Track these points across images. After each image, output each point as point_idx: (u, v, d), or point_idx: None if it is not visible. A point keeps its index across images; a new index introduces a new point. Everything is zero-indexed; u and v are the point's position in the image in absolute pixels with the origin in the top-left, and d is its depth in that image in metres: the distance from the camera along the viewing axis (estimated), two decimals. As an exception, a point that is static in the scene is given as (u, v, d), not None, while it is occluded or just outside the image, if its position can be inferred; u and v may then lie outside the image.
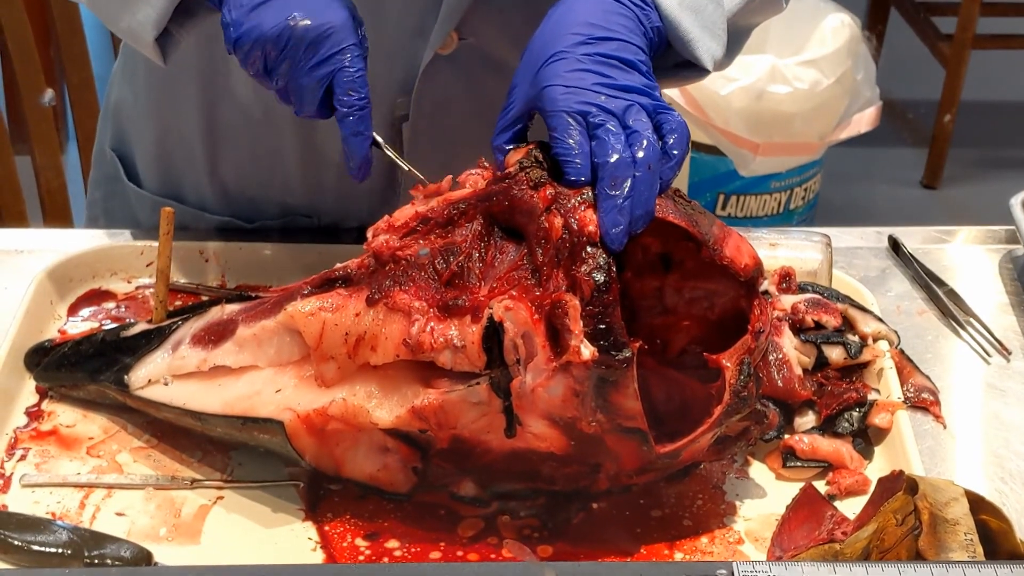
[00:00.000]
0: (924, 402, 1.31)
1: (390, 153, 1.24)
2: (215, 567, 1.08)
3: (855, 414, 1.25)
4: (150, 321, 1.29)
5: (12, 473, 1.19)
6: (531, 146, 1.13)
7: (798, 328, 1.29)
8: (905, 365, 1.33)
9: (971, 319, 1.44)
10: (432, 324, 1.08)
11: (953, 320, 1.44)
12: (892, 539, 1.01)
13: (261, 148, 1.48)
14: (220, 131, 1.49)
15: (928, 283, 1.48)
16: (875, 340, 1.31)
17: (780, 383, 1.24)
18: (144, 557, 1.10)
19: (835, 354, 1.28)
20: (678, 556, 1.14)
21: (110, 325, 1.35)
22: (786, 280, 1.35)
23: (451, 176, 1.17)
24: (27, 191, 2.14)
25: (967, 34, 3.63)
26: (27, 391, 1.29)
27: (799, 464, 1.22)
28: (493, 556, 1.13)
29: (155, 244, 1.31)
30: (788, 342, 1.26)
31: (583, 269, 1.05)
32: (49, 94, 2.08)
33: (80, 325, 1.37)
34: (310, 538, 1.14)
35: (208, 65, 1.44)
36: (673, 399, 1.18)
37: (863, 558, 1.01)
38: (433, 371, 1.11)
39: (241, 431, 1.17)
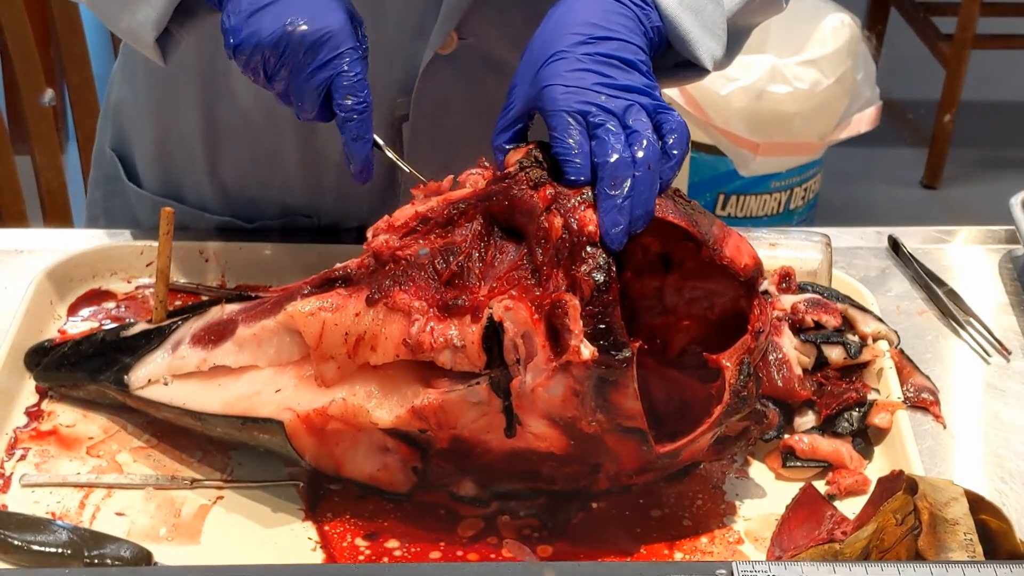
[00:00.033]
0: (924, 402, 1.31)
1: (391, 155, 1.24)
2: (215, 567, 1.08)
3: (855, 414, 1.25)
4: (150, 321, 1.29)
5: (12, 473, 1.19)
6: (531, 146, 1.13)
7: (798, 328, 1.29)
8: (905, 365, 1.33)
9: (971, 319, 1.44)
10: (432, 324, 1.08)
11: (953, 320, 1.44)
12: (892, 539, 1.01)
13: (261, 148, 1.48)
14: (220, 131, 1.49)
15: (928, 283, 1.48)
16: (875, 340, 1.31)
17: (780, 383, 1.24)
18: (144, 557, 1.10)
19: (835, 354, 1.28)
20: (678, 556, 1.14)
21: (110, 325, 1.35)
22: (786, 280, 1.35)
23: (452, 176, 1.17)
24: (27, 191, 2.14)
25: (967, 34, 3.63)
26: (27, 391, 1.29)
27: (799, 464, 1.22)
28: (493, 556, 1.13)
29: (155, 244, 1.31)
30: (788, 342, 1.26)
31: (583, 269, 1.05)
32: (49, 94, 2.08)
33: (80, 325, 1.37)
34: (310, 538, 1.15)
35: (208, 65, 1.44)
36: (673, 399, 1.18)
37: (863, 558, 1.01)
38: (433, 371, 1.11)
39: (241, 431, 1.17)
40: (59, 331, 1.36)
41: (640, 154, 1.08)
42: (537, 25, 1.17)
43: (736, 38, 1.33)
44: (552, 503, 1.17)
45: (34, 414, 1.26)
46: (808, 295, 1.32)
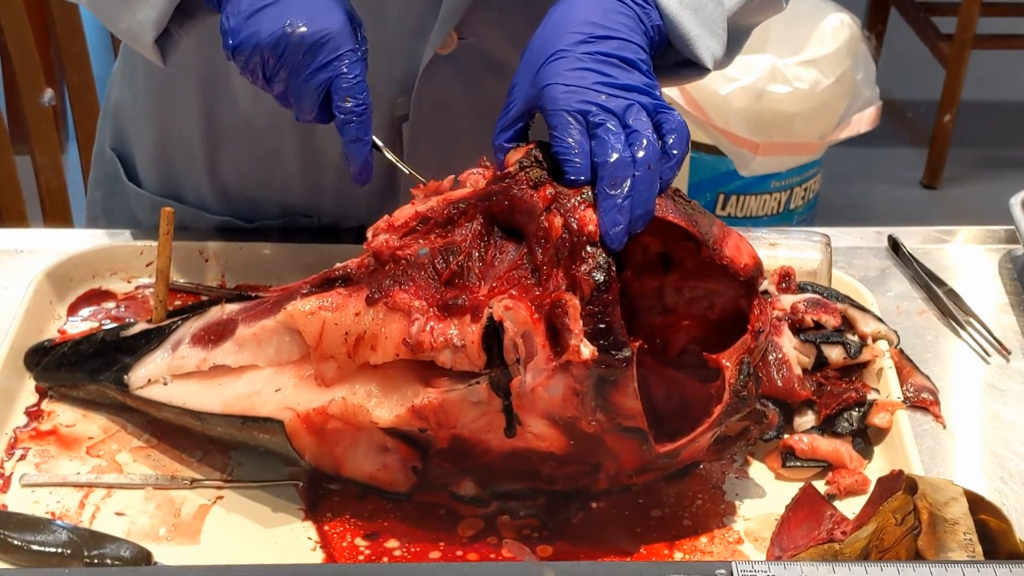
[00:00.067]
0: (924, 402, 1.31)
1: (390, 156, 1.24)
2: (215, 567, 1.08)
3: (855, 414, 1.25)
4: (150, 321, 1.29)
5: (12, 473, 1.19)
6: (531, 145, 1.13)
7: (798, 328, 1.29)
8: (905, 365, 1.33)
9: (971, 319, 1.44)
10: (432, 323, 1.08)
11: (953, 320, 1.44)
12: (891, 539, 1.01)
13: (261, 148, 1.48)
14: (220, 131, 1.49)
15: (928, 283, 1.48)
16: (875, 340, 1.31)
17: (780, 383, 1.24)
18: (144, 557, 1.10)
19: (835, 354, 1.28)
20: (678, 556, 1.14)
21: (110, 325, 1.35)
22: (786, 280, 1.35)
23: (453, 176, 1.17)
24: (27, 191, 2.14)
25: (967, 34, 3.63)
26: (27, 391, 1.29)
27: (799, 464, 1.22)
28: (493, 556, 1.13)
29: (155, 244, 1.31)
30: (788, 342, 1.26)
31: (583, 268, 1.05)
32: (48, 94, 2.08)
33: (80, 325, 1.37)
34: (310, 538, 1.15)
35: (208, 65, 1.44)
36: (673, 399, 1.18)
37: (862, 558, 1.01)
38: (433, 370, 1.11)
39: (241, 431, 1.17)
40: (59, 331, 1.36)
41: (640, 154, 1.08)
42: (537, 24, 1.17)
43: (736, 37, 1.33)
44: (552, 503, 1.17)
45: (34, 414, 1.26)
46: (808, 295, 1.32)
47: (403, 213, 1.16)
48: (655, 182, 1.09)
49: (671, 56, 1.26)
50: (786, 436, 1.23)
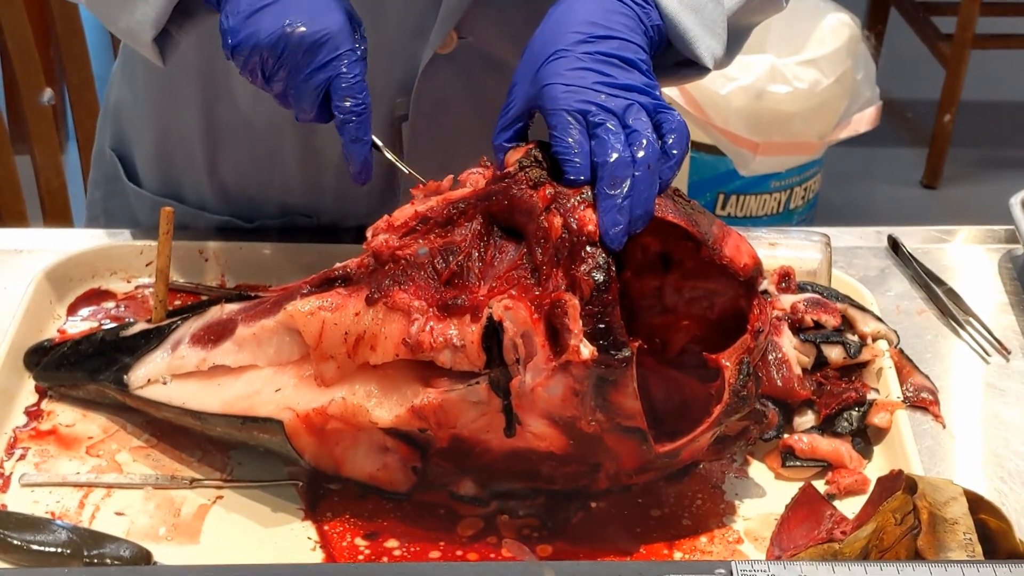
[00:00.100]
0: (923, 401, 1.31)
1: (390, 156, 1.24)
2: (214, 566, 1.08)
3: (854, 414, 1.25)
4: (149, 321, 1.29)
5: (11, 472, 1.19)
6: (530, 145, 1.13)
7: (797, 328, 1.29)
8: (904, 365, 1.33)
9: (970, 319, 1.44)
10: (431, 323, 1.08)
11: (952, 320, 1.44)
12: (891, 538, 1.01)
13: (261, 148, 1.48)
14: (220, 131, 1.49)
15: (927, 283, 1.48)
16: (874, 340, 1.31)
17: (779, 382, 1.24)
18: (143, 556, 1.10)
19: (834, 354, 1.28)
20: (677, 555, 1.14)
21: (109, 325, 1.35)
22: (785, 280, 1.35)
23: (452, 176, 1.17)
24: (27, 191, 2.14)
25: (967, 34, 3.63)
26: (26, 390, 1.29)
27: (798, 463, 1.22)
28: (492, 555, 1.13)
29: (155, 244, 1.31)
30: (787, 341, 1.26)
31: (582, 268, 1.05)
32: (48, 93, 2.08)
33: (79, 325, 1.37)
34: (309, 537, 1.15)
35: (207, 65, 1.44)
36: (672, 398, 1.18)
37: (862, 557, 1.01)
38: (433, 370, 1.11)
39: (240, 430, 1.17)
40: (59, 331, 1.36)
41: (640, 154, 1.08)
42: (537, 24, 1.17)
43: (736, 37, 1.33)
44: (552, 503, 1.17)
45: (33, 414, 1.26)
46: (808, 295, 1.32)
47: (403, 213, 1.16)
48: (655, 182, 1.09)
49: (671, 56, 1.26)
50: (786, 436, 1.23)
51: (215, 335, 1.20)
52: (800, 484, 1.18)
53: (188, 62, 1.43)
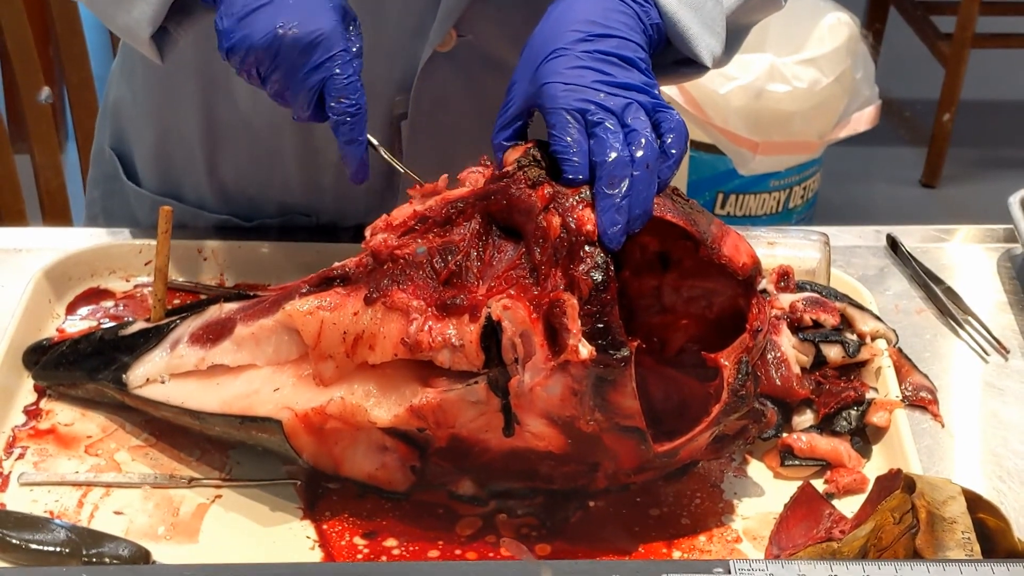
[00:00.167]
0: (922, 401, 1.31)
1: (386, 156, 1.24)
2: (213, 566, 1.08)
3: (853, 413, 1.25)
4: (148, 320, 1.29)
5: (10, 472, 1.19)
6: (529, 144, 1.13)
7: (796, 327, 1.29)
8: (903, 364, 1.33)
9: (969, 318, 1.44)
10: (430, 323, 1.08)
11: (951, 319, 1.44)
12: (889, 537, 1.01)
13: (260, 147, 1.48)
14: (219, 130, 1.49)
15: (926, 282, 1.48)
16: (873, 339, 1.31)
17: (778, 382, 1.24)
18: (142, 556, 1.10)
19: (833, 353, 1.28)
20: (676, 555, 1.14)
21: (108, 324, 1.35)
22: (784, 279, 1.35)
23: (447, 175, 1.17)
24: (26, 190, 2.14)
25: (966, 33, 3.63)
26: (25, 389, 1.29)
27: (797, 463, 1.22)
28: (491, 555, 1.13)
29: (153, 243, 1.31)
30: (786, 341, 1.26)
31: (581, 268, 1.05)
32: (46, 92, 2.08)
33: (79, 324, 1.37)
34: (308, 537, 1.15)
35: (207, 64, 1.44)
36: (671, 398, 1.18)
37: (861, 557, 1.01)
38: (431, 370, 1.11)
39: (239, 430, 1.17)
40: (57, 330, 1.36)
41: (639, 153, 1.08)
42: (536, 23, 1.17)
43: (735, 36, 1.33)
44: (550, 502, 1.17)
45: (32, 413, 1.26)
46: (807, 294, 1.32)
47: (401, 212, 1.16)
48: (653, 181, 1.09)
49: (670, 54, 1.26)
50: (785, 435, 1.23)
51: (214, 334, 1.20)
52: (799, 483, 1.18)
53: (187, 61, 1.43)
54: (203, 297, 1.39)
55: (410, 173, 1.24)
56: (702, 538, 1.15)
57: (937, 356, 1.39)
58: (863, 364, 1.30)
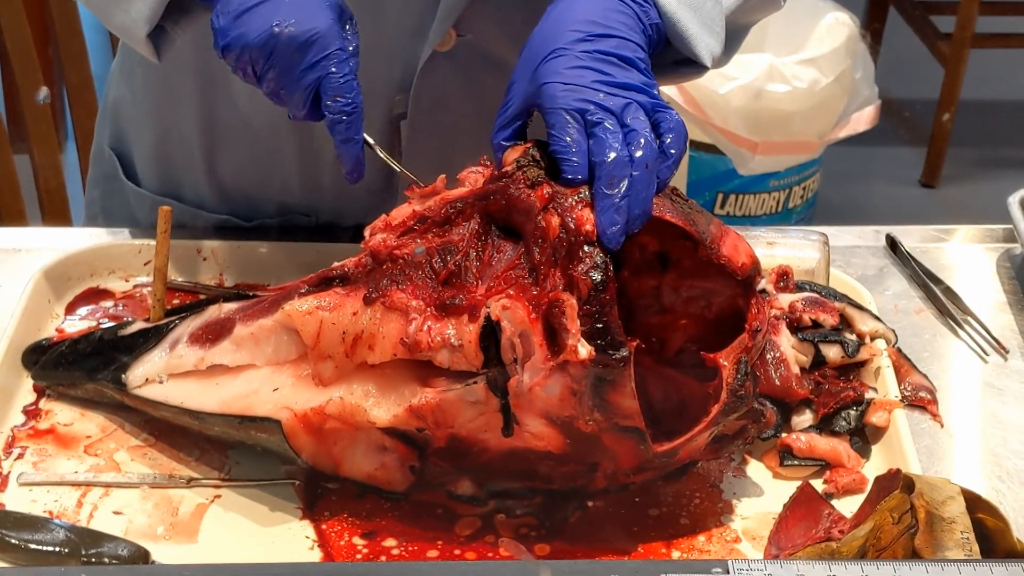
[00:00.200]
0: (921, 401, 1.31)
1: (383, 155, 1.24)
2: (212, 565, 1.08)
3: (852, 413, 1.25)
4: (148, 320, 1.29)
5: (9, 472, 1.19)
6: (528, 144, 1.13)
7: (795, 327, 1.29)
8: (903, 364, 1.33)
9: (969, 318, 1.44)
10: (429, 323, 1.08)
11: (951, 319, 1.44)
12: (888, 537, 1.01)
13: (259, 147, 1.48)
14: (218, 130, 1.49)
15: (926, 282, 1.48)
16: (872, 339, 1.31)
17: (777, 382, 1.24)
18: (141, 556, 1.10)
19: (832, 353, 1.28)
20: (675, 554, 1.14)
21: (108, 324, 1.35)
22: (784, 279, 1.35)
23: (445, 176, 1.17)
24: (26, 190, 2.14)
25: (966, 33, 3.63)
26: (25, 389, 1.29)
27: (796, 463, 1.22)
28: (490, 555, 1.13)
29: (153, 243, 1.31)
30: (785, 341, 1.26)
31: (580, 268, 1.05)
32: (44, 92, 2.08)
33: (78, 324, 1.37)
34: (307, 536, 1.15)
35: (206, 64, 1.44)
36: (670, 398, 1.18)
37: (859, 557, 1.01)
38: (430, 370, 1.11)
39: (238, 430, 1.17)
40: (57, 330, 1.36)
41: (638, 153, 1.08)
42: (536, 22, 1.17)
43: (734, 36, 1.33)
44: (549, 502, 1.17)
45: (32, 413, 1.26)
46: (806, 294, 1.32)
47: (401, 212, 1.16)
48: (652, 181, 1.09)
49: (670, 54, 1.26)
50: (784, 435, 1.23)
51: (213, 334, 1.20)
52: (798, 483, 1.18)
53: (186, 60, 1.43)
54: (202, 297, 1.39)
55: (406, 172, 1.24)
56: (701, 538, 1.15)
57: (936, 356, 1.39)
58: (862, 364, 1.30)
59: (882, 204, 3.69)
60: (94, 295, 1.41)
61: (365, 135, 1.19)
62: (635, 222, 1.08)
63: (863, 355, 1.29)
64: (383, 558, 1.13)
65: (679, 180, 2.95)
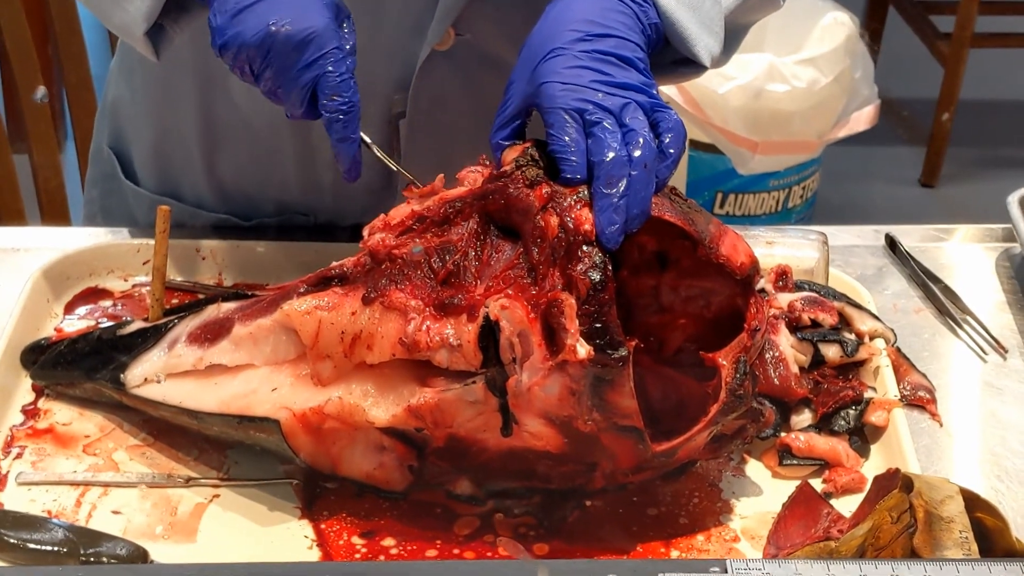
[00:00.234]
0: (920, 400, 1.31)
1: (380, 155, 1.24)
2: (211, 565, 1.08)
3: (851, 412, 1.25)
4: (146, 319, 1.29)
5: (8, 471, 1.19)
6: (527, 144, 1.13)
7: (794, 326, 1.29)
8: (902, 363, 1.33)
9: (968, 317, 1.44)
10: (428, 323, 1.08)
11: (950, 318, 1.44)
12: (887, 537, 1.01)
13: (258, 146, 1.48)
14: (217, 129, 1.49)
15: (925, 281, 1.48)
16: (871, 338, 1.31)
17: (776, 381, 1.24)
18: (140, 555, 1.10)
19: (831, 352, 1.28)
20: (674, 554, 1.14)
21: (106, 323, 1.35)
22: (783, 278, 1.35)
23: (443, 175, 1.17)
24: (25, 189, 2.14)
25: (965, 32, 3.63)
26: (23, 389, 1.29)
27: (795, 462, 1.22)
28: (489, 554, 1.13)
29: (152, 242, 1.31)
30: (784, 340, 1.26)
31: (579, 268, 1.05)
32: (41, 91, 2.08)
33: (77, 323, 1.37)
34: (306, 536, 1.14)
35: (205, 63, 1.44)
36: (669, 397, 1.18)
37: (858, 556, 1.01)
38: (429, 370, 1.11)
39: (237, 429, 1.17)
40: (56, 329, 1.36)
41: (636, 153, 1.08)
42: (534, 22, 1.17)
43: (734, 35, 1.33)
44: (548, 502, 1.17)
45: (30, 412, 1.26)
46: (805, 293, 1.32)
47: (399, 212, 1.16)
48: (651, 181, 1.09)
49: (669, 54, 1.26)
50: (783, 434, 1.23)
51: (212, 334, 1.20)
52: (797, 482, 1.18)
53: (186, 60, 1.43)
54: (201, 296, 1.39)
55: (403, 171, 1.24)
56: (700, 538, 1.15)
57: (935, 355, 1.39)
58: (861, 363, 1.30)
59: (881, 204, 3.69)
60: (93, 294, 1.41)
61: (362, 134, 1.19)
62: (634, 222, 1.08)
63: (862, 354, 1.29)
64: (382, 557, 1.13)
65: (678, 180, 2.96)
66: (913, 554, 1.00)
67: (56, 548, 1.09)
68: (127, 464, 1.21)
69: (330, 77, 1.15)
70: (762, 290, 1.31)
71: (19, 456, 1.21)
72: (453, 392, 1.09)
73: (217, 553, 1.13)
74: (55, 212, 2.20)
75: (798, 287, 1.35)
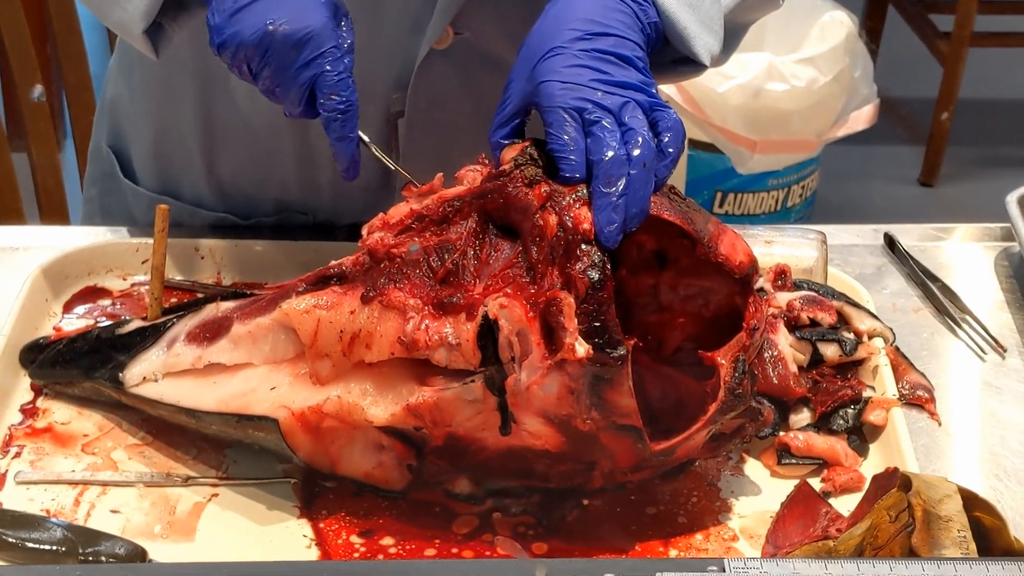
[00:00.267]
0: (919, 399, 1.31)
1: (378, 154, 1.24)
2: (210, 564, 1.08)
3: (850, 411, 1.25)
4: (145, 318, 1.29)
5: (7, 470, 1.19)
6: (526, 143, 1.13)
7: (793, 325, 1.29)
8: (900, 362, 1.33)
9: (967, 316, 1.44)
10: (427, 322, 1.08)
11: (949, 317, 1.44)
12: (886, 536, 1.01)
13: (257, 145, 1.48)
14: (216, 128, 1.49)
15: (924, 280, 1.48)
16: (870, 337, 1.31)
17: (775, 380, 1.24)
18: (139, 554, 1.10)
19: (830, 351, 1.28)
20: (672, 553, 1.14)
21: (105, 322, 1.35)
22: (781, 277, 1.35)
23: (442, 174, 1.17)
24: (24, 188, 2.14)
25: (965, 32, 3.63)
26: (22, 388, 1.28)
27: (794, 461, 1.22)
28: (488, 553, 1.13)
29: (151, 241, 1.31)
30: (783, 339, 1.26)
31: (578, 267, 1.05)
32: (38, 90, 2.08)
33: (75, 322, 1.37)
34: (305, 535, 1.14)
35: (204, 62, 1.44)
36: (668, 396, 1.18)
37: (857, 555, 1.01)
38: (428, 369, 1.11)
39: (236, 428, 1.17)
40: (54, 328, 1.36)
41: (635, 152, 1.08)
42: (533, 21, 1.17)
43: (733, 34, 1.33)
44: (547, 501, 1.17)
45: (29, 411, 1.26)
46: (804, 292, 1.32)
47: (398, 211, 1.16)
48: (650, 180, 1.09)
49: (668, 53, 1.26)
50: (781, 433, 1.23)
51: (210, 333, 1.20)
52: (795, 482, 1.18)
53: (185, 59, 1.43)
54: (200, 295, 1.39)
55: (401, 170, 1.24)
56: (699, 537, 1.15)
57: (934, 355, 1.39)
58: (860, 363, 1.30)
59: (880, 203, 3.69)
60: (92, 293, 1.41)
61: (361, 133, 1.19)
62: (633, 221, 1.08)
63: (861, 354, 1.29)
64: (380, 556, 1.13)
65: (677, 179, 2.95)
66: (911, 553, 1.00)
67: (55, 547, 1.09)
68: (126, 463, 1.21)
69: (328, 76, 1.15)
70: (761, 289, 1.31)
71: (18, 455, 1.21)
72: (452, 391, 1.09)
73: (216, 552, 1.13)
74: (54, 211, 2.20)
75: (797, 286, 1.35)
